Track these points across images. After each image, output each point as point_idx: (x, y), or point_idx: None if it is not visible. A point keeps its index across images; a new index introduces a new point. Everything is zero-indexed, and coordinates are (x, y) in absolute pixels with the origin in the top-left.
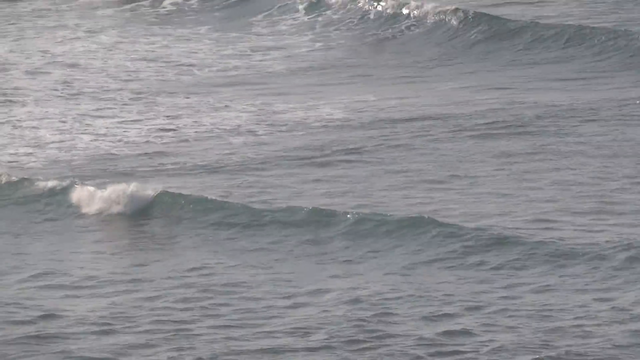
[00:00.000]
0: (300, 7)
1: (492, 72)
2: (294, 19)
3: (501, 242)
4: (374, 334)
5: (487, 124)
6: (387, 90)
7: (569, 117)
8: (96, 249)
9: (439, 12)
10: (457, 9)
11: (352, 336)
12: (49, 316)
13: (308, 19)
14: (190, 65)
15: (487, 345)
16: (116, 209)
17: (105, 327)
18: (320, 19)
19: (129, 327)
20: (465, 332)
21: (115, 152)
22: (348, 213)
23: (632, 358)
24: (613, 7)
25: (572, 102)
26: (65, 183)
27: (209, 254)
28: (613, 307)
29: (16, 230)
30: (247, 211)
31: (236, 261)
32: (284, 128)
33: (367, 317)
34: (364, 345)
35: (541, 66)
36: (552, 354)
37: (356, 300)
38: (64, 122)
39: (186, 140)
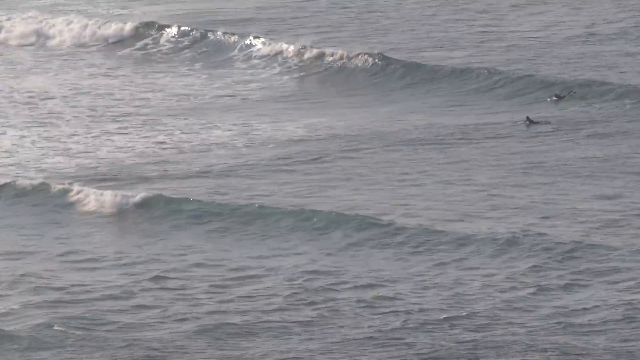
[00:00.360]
0: (261, 50)
1: (411, 101)
2: (258, 60)
3: (418, 231)
4: (321, 296)
5: (411, 139)
6: (335, 113)
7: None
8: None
9: (365, 56)
10: (378, 54)
11: (305, 299)
12: (74, 285)
13: (268, 60)
14: (188, 94)
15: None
16: (109, 209)
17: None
18: (277, 63)
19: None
20: (395, 297)
21: (130, 161)
22: (289, 209)
23: (492, 319)
24: (503, 51)
25: (466, 124)
26: (72, 187)
27: (183, 239)
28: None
29: (34, 222)
30: (214, 207)
31: (208, 244)
32: (258, 142)
33: (307, 280)
34: (314, 305)
35: (444, 97)
36: (458, 314)
37: (302, 273)
38: (89, 137)
39: (183, 152)
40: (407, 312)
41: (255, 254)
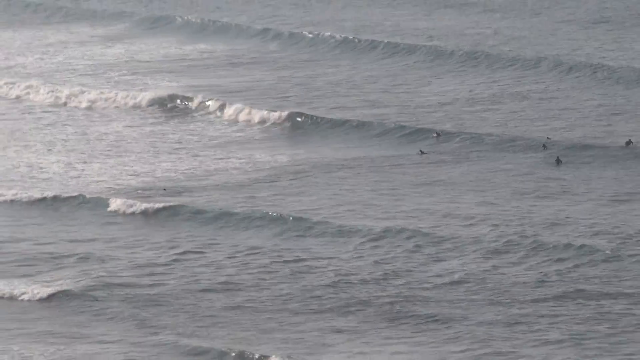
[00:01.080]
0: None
1: (332, 142)
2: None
3: (330, 228)
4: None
5: (335, 166)
6: (286, 151)
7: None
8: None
9: (295, 115)
10: (300, 113)
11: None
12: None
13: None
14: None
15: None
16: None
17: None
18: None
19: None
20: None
21: (172, 179)
22: (243, 211)
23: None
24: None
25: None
26: (103, 196)
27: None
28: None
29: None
30: (198, 213)
31: (200, 239)
32: (251, 168)
33: (241, 257)
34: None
35: (355, 140)
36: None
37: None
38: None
39: (208, 174)
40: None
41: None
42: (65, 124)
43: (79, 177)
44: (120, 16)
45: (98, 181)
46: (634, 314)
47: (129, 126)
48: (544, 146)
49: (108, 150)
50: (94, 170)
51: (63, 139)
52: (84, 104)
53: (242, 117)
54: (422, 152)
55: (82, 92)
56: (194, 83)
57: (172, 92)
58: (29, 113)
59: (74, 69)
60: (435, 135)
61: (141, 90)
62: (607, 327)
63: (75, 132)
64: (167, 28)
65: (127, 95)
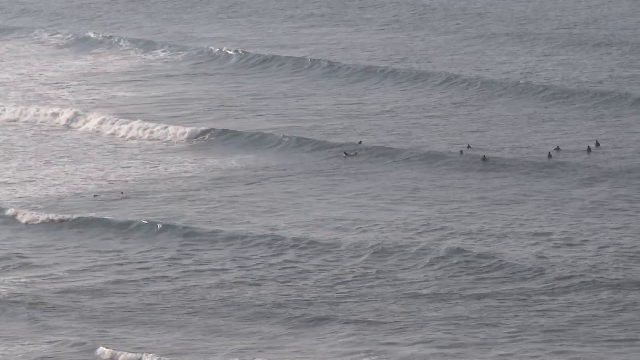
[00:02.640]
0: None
1: (251, 154)
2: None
3: (265, 238)
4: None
5: (261, 176)
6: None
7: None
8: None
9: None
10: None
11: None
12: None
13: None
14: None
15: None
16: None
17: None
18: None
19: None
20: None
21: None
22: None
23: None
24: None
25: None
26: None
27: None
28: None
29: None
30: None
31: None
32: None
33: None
34: None
35: (278, 152)
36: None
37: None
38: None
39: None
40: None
41: None
42: None
43: None
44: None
45: None
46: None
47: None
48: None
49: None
50: None
51: None
52: None
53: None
54: (346, 154)
55: None
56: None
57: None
58: None
59: None
60: (344, 155)
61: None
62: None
63: None
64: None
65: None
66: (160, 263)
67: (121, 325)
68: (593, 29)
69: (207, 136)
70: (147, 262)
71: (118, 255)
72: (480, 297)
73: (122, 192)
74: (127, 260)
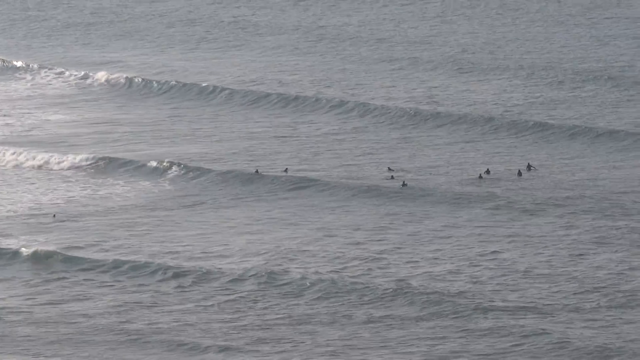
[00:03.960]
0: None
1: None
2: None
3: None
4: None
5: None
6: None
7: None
8: None
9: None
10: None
11: None
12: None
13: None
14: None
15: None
16: None
17: None
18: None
19: None
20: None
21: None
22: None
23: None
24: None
25: None
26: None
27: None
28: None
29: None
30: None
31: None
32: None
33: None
34: None
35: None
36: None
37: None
38: None
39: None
40: None
41: None
42: None
43: None
44: None
45: None
46: None
47: None
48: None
49: None
50: None
51: None
52: None
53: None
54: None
55: None
56: None
57: None
58: None
59: None
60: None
61: None
62: None
63: None
64: None
65: None
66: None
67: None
68: (487, 53)
69: (96, 164)
70: None
71: None
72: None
73: None
74: None
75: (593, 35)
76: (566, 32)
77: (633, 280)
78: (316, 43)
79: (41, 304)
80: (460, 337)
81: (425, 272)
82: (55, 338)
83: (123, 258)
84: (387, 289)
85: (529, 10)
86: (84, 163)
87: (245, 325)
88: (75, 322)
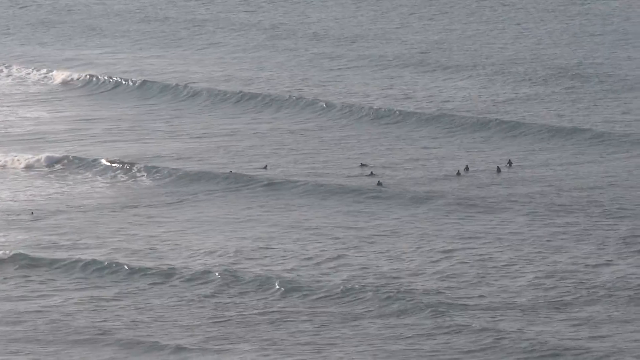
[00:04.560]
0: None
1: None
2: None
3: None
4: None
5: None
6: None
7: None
8: None
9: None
10: (134, 163)
11: None
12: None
13: None
14: None
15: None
16: None
17: None
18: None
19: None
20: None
21: None
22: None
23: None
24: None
25: None
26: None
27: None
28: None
29: None
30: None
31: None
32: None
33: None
34: None
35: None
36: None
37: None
38: None
39: None
40: None
41: None
42: None
43: None
44: None
45: None
46: None
47: None
48: None
49: None
50: None
51: None
52: None
53: None
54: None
55: None
56: None
57: None
58: None
59: None
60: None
61: None
62: None
63: None
64: None
65: None
66: None
67: None
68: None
69: (60, 163)
70: None
71: None
72: None
73: None
74: None
75: (569, 31)
76: (542, 28)
77: (603, 275)
78: (286, 40)
79: None
80: (415, 336)
81: (392, 269)
82: (13, 337)
83: (82, 257)
84: (346, 288)
85: (503, 4)
86: (44, 164)
87: (200, 325)
88: (28, 321)
